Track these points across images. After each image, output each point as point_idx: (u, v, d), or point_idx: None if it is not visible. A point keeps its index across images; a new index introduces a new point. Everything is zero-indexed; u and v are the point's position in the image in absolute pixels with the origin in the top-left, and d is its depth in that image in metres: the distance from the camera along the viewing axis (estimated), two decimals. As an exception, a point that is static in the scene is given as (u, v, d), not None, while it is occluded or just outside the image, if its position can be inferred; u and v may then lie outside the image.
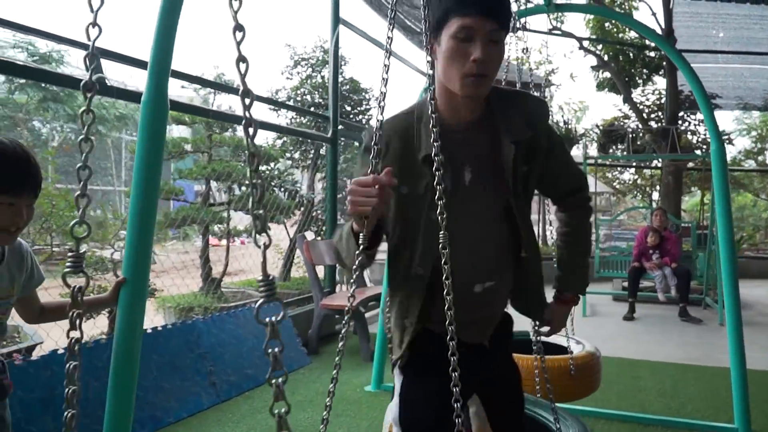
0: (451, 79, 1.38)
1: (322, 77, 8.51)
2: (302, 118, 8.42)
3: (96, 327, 4.61)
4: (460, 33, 1.32)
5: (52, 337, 3.79)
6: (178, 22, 1.80)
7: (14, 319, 4.02)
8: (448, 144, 1.39)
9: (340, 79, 7.85)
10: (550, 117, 1.61)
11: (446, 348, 1.26)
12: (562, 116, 12.12)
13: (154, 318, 5.36)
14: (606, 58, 11.33)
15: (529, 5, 6.61)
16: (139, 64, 3.70)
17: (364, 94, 8.97)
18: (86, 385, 2.99)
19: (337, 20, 5.67)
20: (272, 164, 7.02)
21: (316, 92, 8.47)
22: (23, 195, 1.49)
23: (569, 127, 10.87)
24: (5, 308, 1.66)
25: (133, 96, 3.65)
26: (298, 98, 8.58)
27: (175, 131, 7.68)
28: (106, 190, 14.23)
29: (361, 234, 1.34)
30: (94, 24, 1.43)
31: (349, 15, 5.90)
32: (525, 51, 3.21)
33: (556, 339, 3.15)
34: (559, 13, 9.83)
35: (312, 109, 8.00)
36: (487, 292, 1.49)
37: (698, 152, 10.89)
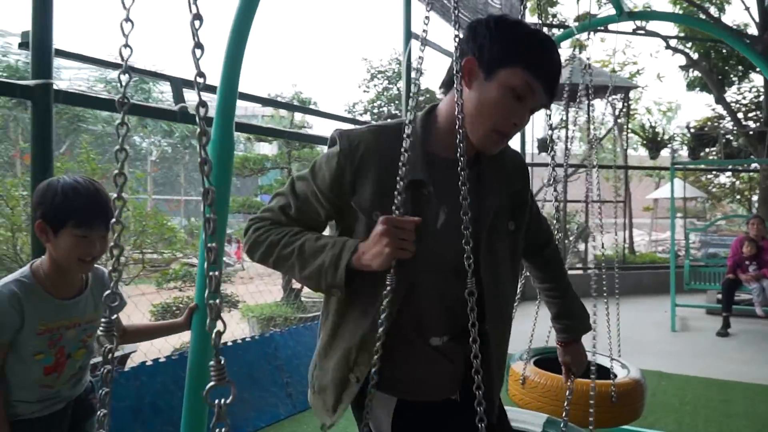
0: (477, 122, 1.23)
1: (398, 89, 8.62)
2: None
3: (180, 338, 4.89)
4: (520, 88, 1.19)
5: (141, 349, 4.06)
6: (243, 51, 1.92)
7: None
8: (435, 174, 1.27)
9: (415, 89, 7.91)
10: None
11: (399, 414, 1.23)
12: (648, 119, 11.60)
13: (238, 325, 5.61)
14: (696, 56, 10.75)
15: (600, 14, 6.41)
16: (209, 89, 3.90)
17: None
18: (172, 394, 3.19)
19: (409, 35, 5.73)
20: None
21: (392, 104, 8.59)
22: (95, 228, 1.63)
23: (656, 129, 10.38)
24: (91, 332, 1.80)
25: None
26: (375, 110, 8.74)
27: (257, 149, 7.99)
28: (198, 200, 15.01)
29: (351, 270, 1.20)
30: (126, 45, 1.53)
31: (421, 27, 5.94)
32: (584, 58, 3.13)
33: (600, 359, 3.00)
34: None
35: (389, 120, 8.13)
36: (446, 347, 1.31)
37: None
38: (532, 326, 3.05)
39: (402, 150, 1.19)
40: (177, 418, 3.03)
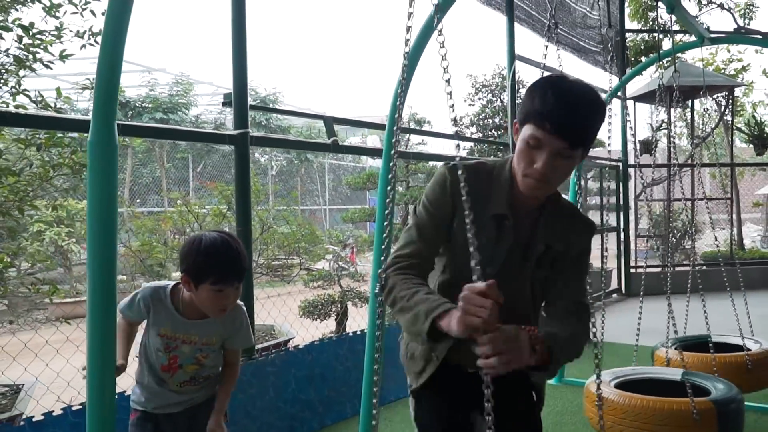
0: (516, 170, 1.46)
1: (502, 101, 9.20)
2: (480, 145, 9.17)
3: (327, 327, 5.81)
4: (531, 140, 1.38)
5: (300, 333, 4.99)
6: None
7: (268, 320, 5.43)
8: (513, 213, 1.53)
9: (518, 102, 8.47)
10: (591, 237, 1.65)
11: (457, 376, 1.57)
12: (755, 115, 11.35)
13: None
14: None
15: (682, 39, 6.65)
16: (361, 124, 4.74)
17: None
18: (334, 367, 4.05)
19: (512, 55, 6.33)
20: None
21: (497, 116, 9.19)
22: (229, 284, 1.84)
23: (764, 126, 10.20)
24: (207, 353, 1.98)
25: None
26: (480, 122, 9.37)
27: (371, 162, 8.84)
28: (313, 209, 16.15)
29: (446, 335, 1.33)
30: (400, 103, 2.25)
31: (523, 46, 6.53)
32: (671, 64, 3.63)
33: (734, 339, 3.73)
34: (748, 10, 9.41)
35: (493, 131, 8.77)
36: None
37: None
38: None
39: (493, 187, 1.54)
40: (339, 385, 3.89)
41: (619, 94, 7.99)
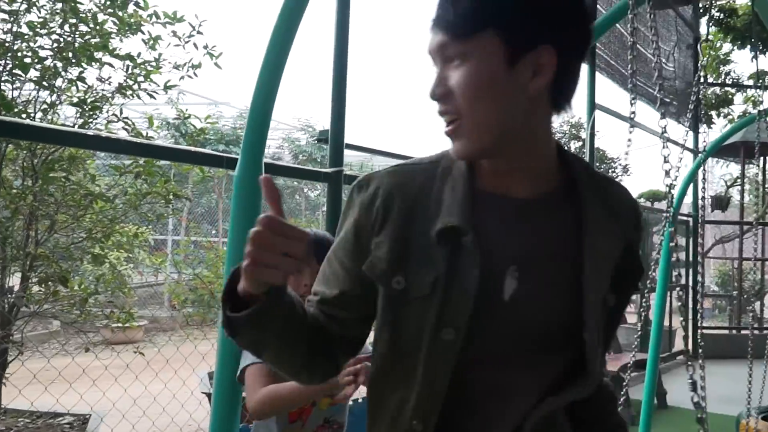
0: None
1: (570, 148, 9.03)
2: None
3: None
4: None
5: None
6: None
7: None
8: (490, 221, 0.88)
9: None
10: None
11: None
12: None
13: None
14: None
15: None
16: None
17: (610, 162, 9.32)
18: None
19: (593, 105, 6.23)
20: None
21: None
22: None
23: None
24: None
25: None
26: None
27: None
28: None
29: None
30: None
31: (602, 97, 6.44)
32: None
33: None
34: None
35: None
36: None
37: None
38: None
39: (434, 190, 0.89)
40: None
41: (691, 146, 7.80)
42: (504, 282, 0.85)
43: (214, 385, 1.71)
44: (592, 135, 6.03)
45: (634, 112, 3.28)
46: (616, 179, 1.16)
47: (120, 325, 3.87)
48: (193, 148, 2.41)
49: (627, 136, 2.86)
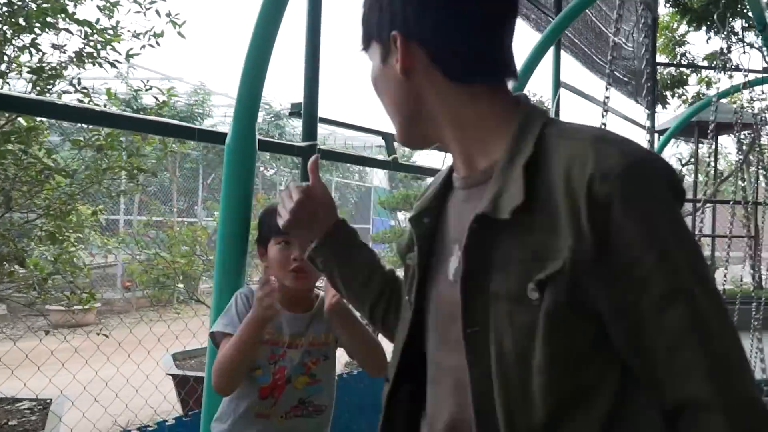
0: None
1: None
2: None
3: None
4: None
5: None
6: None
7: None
8: (451, 204, 0.93)
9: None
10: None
11: None
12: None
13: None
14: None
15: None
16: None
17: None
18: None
19: (557, 83, 6.26)
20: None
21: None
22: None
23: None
24: (315, 359, 1.65)
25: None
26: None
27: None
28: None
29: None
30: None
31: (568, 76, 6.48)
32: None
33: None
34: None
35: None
36: None
37: None
38: None
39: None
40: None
41: (647, 125, 7.96)
42: (449, 262, 0.89)
43: (207, 359, 1.64)
44: (557, 113, 6.07)
45: (608, 97, 3.30)
46: None
47: (81, 306, 3.70)
48: (169, 120, 2.28)
49: (591, 113, 2.95)
